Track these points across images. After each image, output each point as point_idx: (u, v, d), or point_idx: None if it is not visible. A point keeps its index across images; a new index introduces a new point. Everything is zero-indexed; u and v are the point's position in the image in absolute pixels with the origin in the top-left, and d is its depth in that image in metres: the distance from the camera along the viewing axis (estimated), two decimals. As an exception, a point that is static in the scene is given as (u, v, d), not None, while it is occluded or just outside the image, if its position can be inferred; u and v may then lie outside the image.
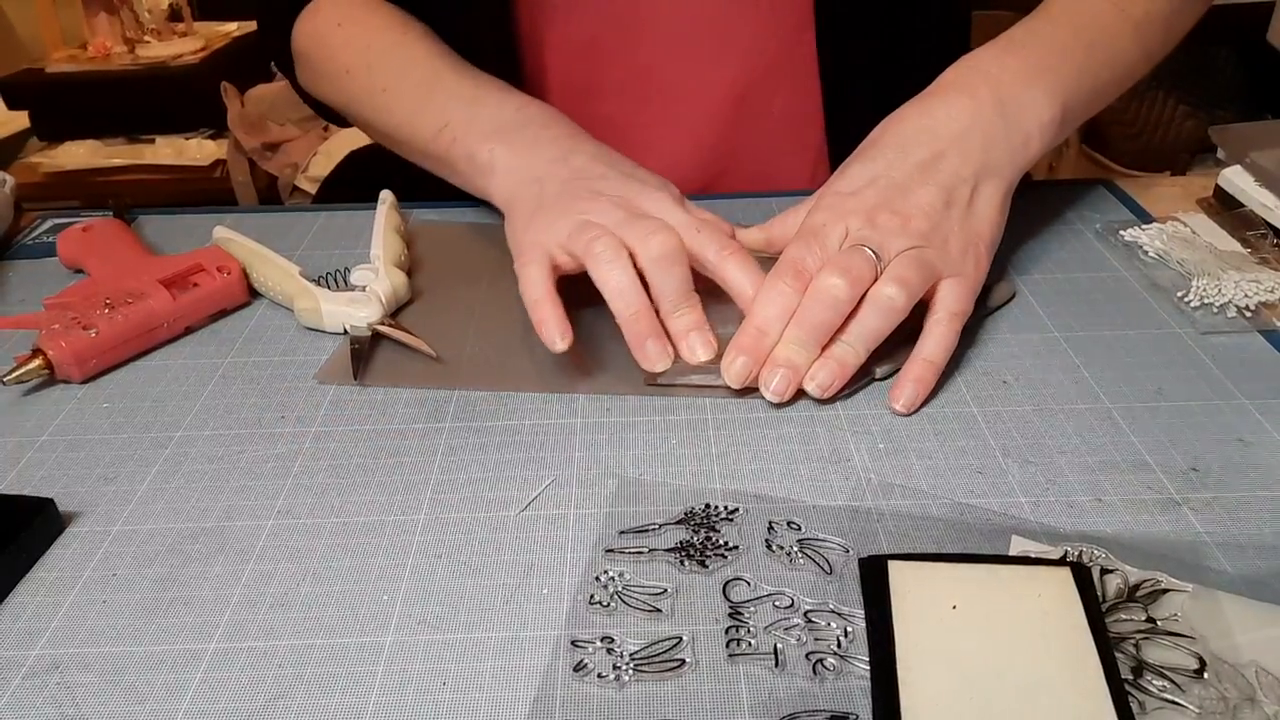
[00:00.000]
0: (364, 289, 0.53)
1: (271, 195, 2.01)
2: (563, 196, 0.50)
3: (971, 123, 0.50)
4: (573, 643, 0.34)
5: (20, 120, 2.08)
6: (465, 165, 0.58)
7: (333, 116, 0.74)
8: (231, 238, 0.59)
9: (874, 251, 0.46)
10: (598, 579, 0.36)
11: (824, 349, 0.45)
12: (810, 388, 0.45)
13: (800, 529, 0.38)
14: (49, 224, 0.67)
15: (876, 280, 0.45)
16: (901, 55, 0.68)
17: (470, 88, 0.60)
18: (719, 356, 0.47)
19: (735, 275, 0.48)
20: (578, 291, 0.49)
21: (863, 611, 0.34)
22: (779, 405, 0.46)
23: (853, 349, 0.45)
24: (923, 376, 0.45)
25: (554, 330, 0.46)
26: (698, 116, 0.71)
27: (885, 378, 0.47)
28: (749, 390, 0.46)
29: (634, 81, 0.70)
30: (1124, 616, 0.33)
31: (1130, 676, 0.31)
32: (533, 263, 0.48)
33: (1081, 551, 0.36)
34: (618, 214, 0.48)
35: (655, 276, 0.47)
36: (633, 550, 0.38)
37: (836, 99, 0.69)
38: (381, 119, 0.65)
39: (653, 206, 0.50)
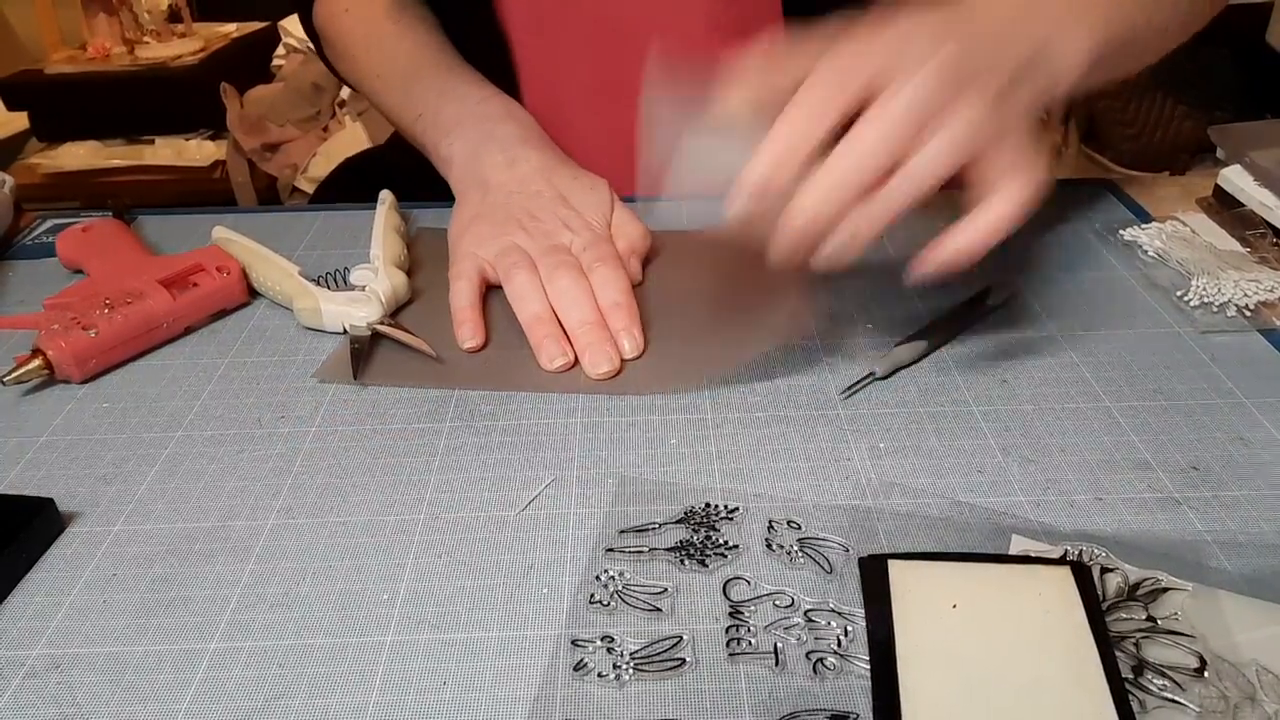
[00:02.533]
0: (363, 289, 0.53)
1: (271, 196, 2.01)
2: (497, 214, 0.56)
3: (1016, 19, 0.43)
4: (573, 642, 0.34)
5: (20, 121, 2.08)
6: (433, 154, 0.64)
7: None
8: (231, 238, 0.59)
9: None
10: (598, 578, 0.36)
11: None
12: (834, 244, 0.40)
13: (800, 528, 0.38)
14: (48, 224, 0.67)
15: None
16: None
17: (443, 80, 0.65)
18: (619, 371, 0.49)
19: (595, 281, 0.52)
20: None
21: (863, 611, 0.34)
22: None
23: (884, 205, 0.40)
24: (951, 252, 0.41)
25: (468, 331, 0.51)
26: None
27: (885, 377, 0.47)
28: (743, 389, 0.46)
29: (598, 45, 0.69)
30: (1124, 615, 0.33)
31: (1131, 675, 0.31)
32: (463, 275, 0.54)
33: (1081, 551, 0.36)
34: (539, 244, 0.54)
35: (558, 304, 0.51)
36: (633, 549, 0.38)
37: None
38: (378, 102, 0.71)
39: (571, 240, 0.55)
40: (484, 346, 0.51)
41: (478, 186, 0.58)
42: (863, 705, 0.31)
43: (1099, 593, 0.34)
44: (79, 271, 0.60)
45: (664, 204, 0.67)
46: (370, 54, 0.69)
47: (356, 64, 0.71)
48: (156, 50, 2.13)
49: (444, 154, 0.61)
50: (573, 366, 0.49)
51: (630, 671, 0.33)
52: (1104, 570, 0.35)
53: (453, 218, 0.58)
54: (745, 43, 0.67)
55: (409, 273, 0.57)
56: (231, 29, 2.27)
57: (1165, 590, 0.34)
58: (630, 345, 0.50)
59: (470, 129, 0.61)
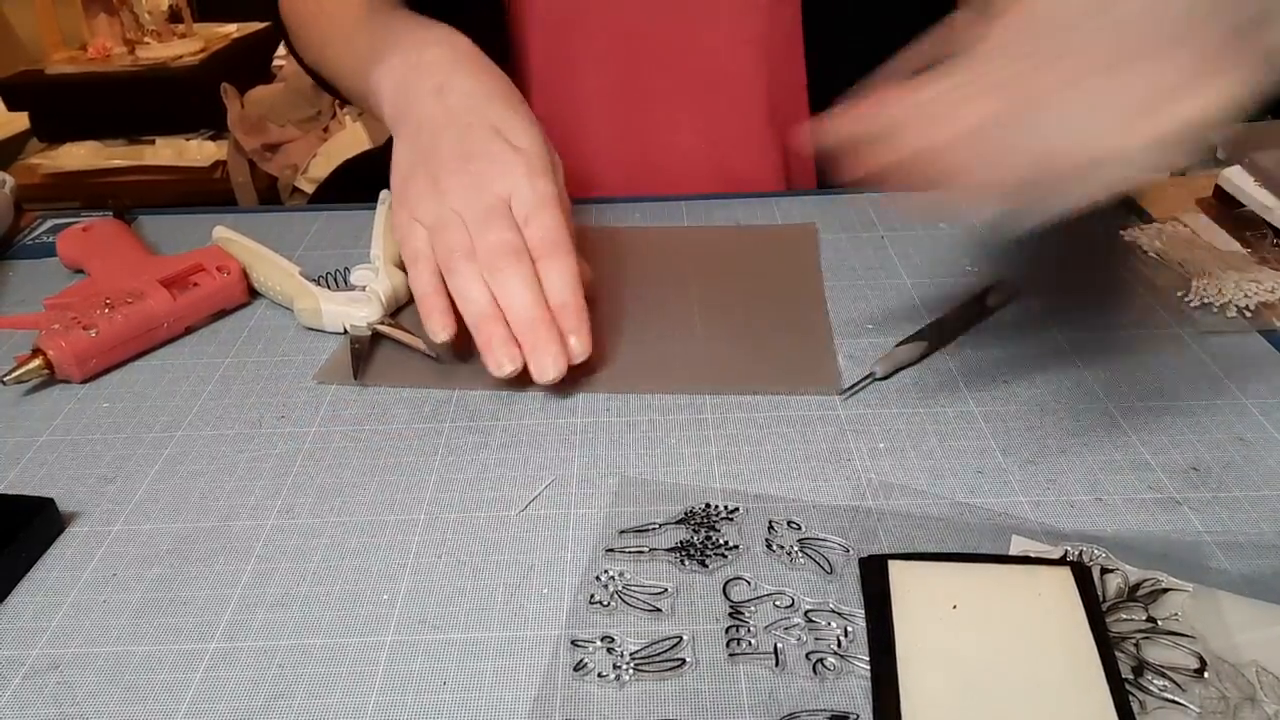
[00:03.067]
0: (364, 289, 0.53)
1: (271, 196, 2.01)
2: (430, 163, 0.49)
3: None
4: (573, 642, 0.34)
5: (20, 121, 2.08)
6: (373, 103, 0.56)
7: (328, 86, 0.74)
8: (231, 238, 0.59)
9: None
10: (598, 579, 0.36)
11: None
12: None
13: (800, 528, 0.38)
14: (49, 224, 0.67)
15: None
16: (890, 45, 0.67)
17: (379, 24, 0.59)
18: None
19: (545, 274, 0.47)
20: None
21: (863, 611, 0.34)
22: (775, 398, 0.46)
23: None
24: None
25: (438, 323, 0.48)
26: (678, 93, 0.70)
27: (885, 377, 0.47)
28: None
29: (616, 53, 0.69)
30: (1124, 616, 0.33)
31: (1130, 676, 0.31)
32: (419, 257, 0.49)
33: (1081, 551, 0.36)
34: (475, 204, 0.48)
35: (503, 301, 0.46)
36: (633, 550, 0.38)
37: (822, 89, 0.69)
38: (331, 76, 0.67)
39: (507, 190, 0.48)
40: (457, 335, 0.48)
41: (409, 126, 0.52)
42: (863, 706, 0.31)
43: (1099, 593, 0.34)
44: (79, 271, 0.60)
45: (662, 204, 0.67)
46: (325, 30, 0.66)
47: (316, 48, 0.68)
48: (157, 50, 2.13)
49: (374, 88, 0.55)
50: (523, 371, 0.46)
51: (630, 672, 0.33)
52: (1104, 571, 0.35)
53: (392, 167, 0.52)
54: (765, 53, 0.68)
55: (409, 273, 0.57)
56: (232, 29, 2.27)
57: (1165, 591, 0.34)
58: (579, 349, 0.46)
59: (397, 58, 0.54)
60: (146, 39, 2.16)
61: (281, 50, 2.23)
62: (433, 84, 0.52)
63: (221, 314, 0.56)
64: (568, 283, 0.47)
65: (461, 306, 0.47)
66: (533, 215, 0.48)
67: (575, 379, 0.48)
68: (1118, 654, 0.32)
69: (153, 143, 2.08)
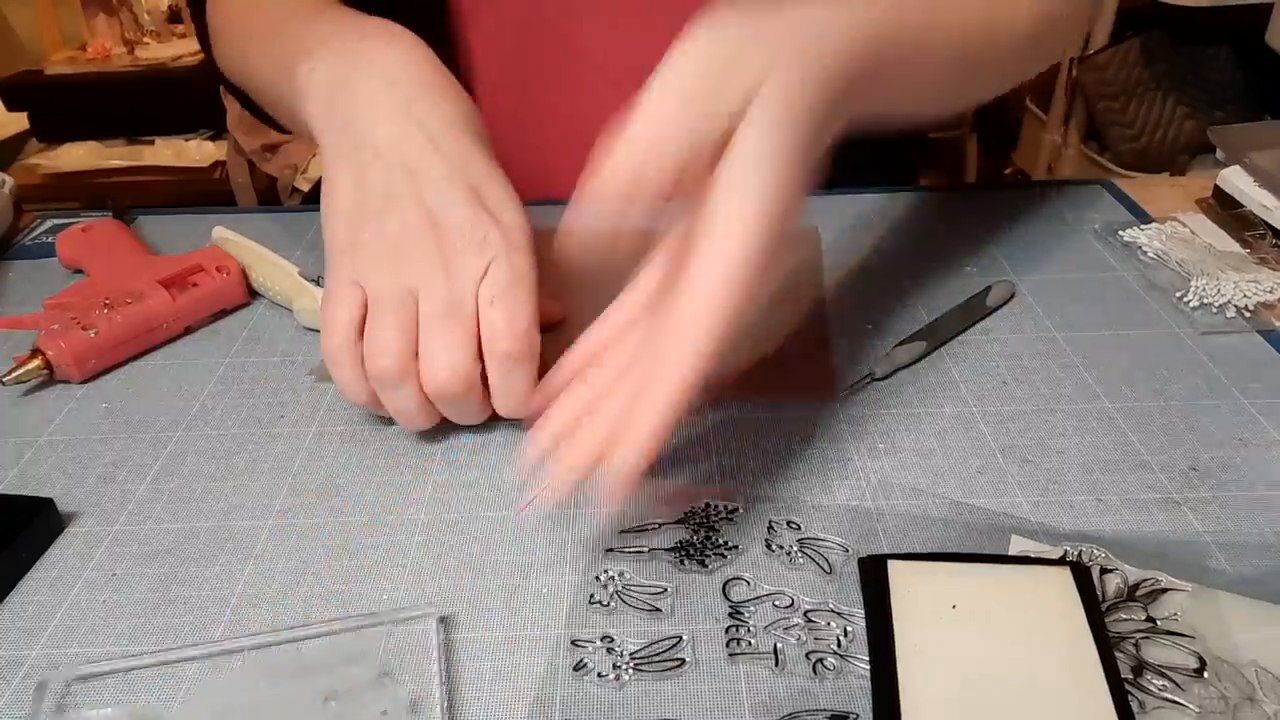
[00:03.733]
0: (364, 289, 0.53)
1: (271, 197, 2.01)
2: (387, 221, 0.41)
3: None
4: (573, 642, 0.34)
5: (20, 121, 2.08)
6: (299, 108, 0.45)
7: (246, 101, 0.65)
8: (230, 237, 0.59)
9: None
10: (598, 578, 0.36)
11: None
12: None
13: (800, 528, 0.38)
14: (48, 224, 0.67)
15: None
16: None
17: (314, 22, 0.49)
18: None
19: (494, 382, 0.41)
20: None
21: (862, 611, 0.34)
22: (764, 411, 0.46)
23: None
24: None
25: (347, 377, 0.42)
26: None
27: (884, 378, 0.47)
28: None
29: (569, 66, 0.68)
30: (1124, 616, 0.33)
31: (1130, 676, 0.31)
32: (347, 345, 0.41)
33: (1081, 551, 0.36)
34: (437, 298, 0.41)
35: (443, 409, 0.42)
36: (633, 549, 0.38)
37: None
38: (249, 80, 0.58)
39: (483, 265, 0.41)
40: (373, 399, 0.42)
41: (354, 147, 0.42)
42: (863, 705, 0.31)
43: (1099, 593, 0.34)
44: (79, 271, 0.60)
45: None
46: (249, 30, 0.57)
47: (240, 31, 0.59)
48: (156, 51, 2.13)
49: (299, 87, 0.44)
50: None
51: (630, 671, 0.33)
52: (1103, 571, 0.35)
53: (327, 195, 0.42)
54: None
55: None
56: (231, 29, 2.27)
57: (1165, 591, 0.34)
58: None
59: (334, 48, 0.44)
60: (146, 39, 2.16)
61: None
62: (397, 96, 0.43)
63: (221, 314, 0.56)
64: (518, 393, 0.41)
65: (392, 409, 0.42)
66: (500, 297, 0.40)
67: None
68: (1117, 654, 0.32)
69: (152, 143, 2.07)
